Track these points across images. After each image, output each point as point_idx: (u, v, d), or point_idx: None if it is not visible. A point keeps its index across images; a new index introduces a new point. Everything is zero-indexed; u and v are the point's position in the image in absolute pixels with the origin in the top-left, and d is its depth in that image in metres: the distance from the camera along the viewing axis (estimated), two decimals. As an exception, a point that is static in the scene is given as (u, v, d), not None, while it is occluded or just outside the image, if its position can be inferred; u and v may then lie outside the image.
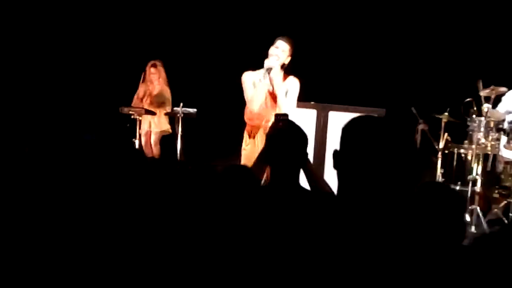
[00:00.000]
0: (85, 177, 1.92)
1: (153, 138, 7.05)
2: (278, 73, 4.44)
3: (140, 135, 6.70)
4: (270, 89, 4.47)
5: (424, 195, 1.97)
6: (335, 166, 1.61)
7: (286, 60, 4.48)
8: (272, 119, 4.43)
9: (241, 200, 2.17)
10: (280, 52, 4.44)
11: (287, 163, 2.47)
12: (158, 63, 6.98)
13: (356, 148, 1.55)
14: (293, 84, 4.52)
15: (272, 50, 4.45)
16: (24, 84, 7.56)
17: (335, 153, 1.61)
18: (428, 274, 1.47)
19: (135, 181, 1.89)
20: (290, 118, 4.56)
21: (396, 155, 1.53)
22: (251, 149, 4.53)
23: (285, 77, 4.54)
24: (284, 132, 2.58)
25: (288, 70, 4.61)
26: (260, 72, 4.50)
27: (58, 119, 7.33)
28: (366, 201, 1.52)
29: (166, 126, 7.08)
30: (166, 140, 7.12)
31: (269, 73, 4.42)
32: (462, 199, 2.16)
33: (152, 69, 6.93)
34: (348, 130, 1.61)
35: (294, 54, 4.54)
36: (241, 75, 4.61)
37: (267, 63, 4.43)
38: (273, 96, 4.49)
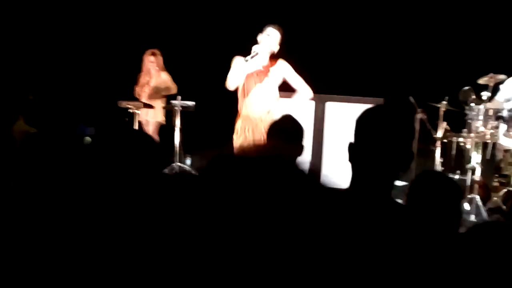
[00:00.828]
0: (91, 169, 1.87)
1: (150, 129, 7.04)
2: (264, 59, 4.46)
3: (139, 125, 6.70)
4: (254, 69, 4.48)
5: (422, 183, 1.97)
6: (350, 159, 1.60)
7: (276, 48, 4.47)
8: (267, 110, 4.46)
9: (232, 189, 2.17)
10: (271, 39, 4.44)
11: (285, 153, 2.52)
12: (157, 51, 6.96)
13: (373, 140, 1.54)
14: (285, 66, 4.53)
15: (263, 37, 4.45)
16: (21, 78, 7.54)
17: (351, 146, 1.60)
18: (425, 260, 1.47)
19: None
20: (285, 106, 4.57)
21: (408, 143, 1.53)
22: (242, 140, 4.53)
23: (272, 63, 4.53)
24: (281, 123, 2.65)
25: (285, 60, 4.60)
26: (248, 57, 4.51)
27: (55, 113, 7.31)
28: (382, 192, 1.51)
29: (161, 118, 7.06)
30: (165, 133, 7.11)
31: (252, 57, 4.41)
32: (459, 188, 2.16)
33: (152, 58, 6.91)
34: (363, 122, 1.59)
35: (287, 43, 4.53)
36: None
37: (255, 48, 4.42)
38: (262, 81, 4.50)
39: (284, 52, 4.56)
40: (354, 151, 1.59)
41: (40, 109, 6.99)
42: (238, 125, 4.62)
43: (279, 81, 4.57)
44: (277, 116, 4.60)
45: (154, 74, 6.92)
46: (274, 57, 4.56)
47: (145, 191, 1.77)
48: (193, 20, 8.50)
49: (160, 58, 6.97)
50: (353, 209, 1.52)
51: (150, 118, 6.99)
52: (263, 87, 4.53)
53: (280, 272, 1.56)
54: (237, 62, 4.56)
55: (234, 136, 4.62)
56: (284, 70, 4.54)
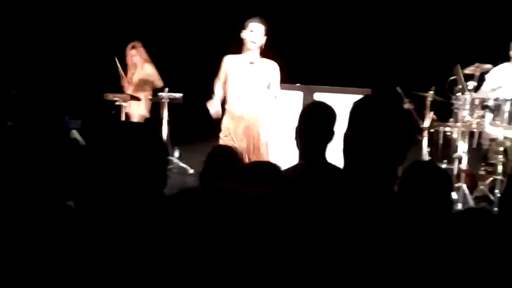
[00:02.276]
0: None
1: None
2: (257, 56, 4.45)
3: (127, 117, 6.66)
4: (254, 81, 4.46)
5: (412, 173, 2.00)
6: (344, 150, 1.61)
7: (262, 40, 4.45)
8: (253, 107, 4.46)
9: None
10: (256, 36, 4.39)
11: (315, 139, 2.56)
12: (137, 44, 6.88)
13: (369, 130, 1.55)
14: (274, 69, 4.50)
15: (247, 36, 4.39)
16: (6, 71, 7.45)
17: (346, 136, 1.61)
18: (417, 247, 1.50)
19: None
20: (278, 99, 4.57)
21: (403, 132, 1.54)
22: (228, 137, 4.49)
23: (263, 60, 4.51)
24: (312, 109, 2.65)
25: (273, 52, 4.59)
26: (241, 58, 4.47)
27: (41, 106, 7.25)
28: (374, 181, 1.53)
29: (143, 111, 6.97)
30: (150, 126, 7.08)
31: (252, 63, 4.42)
32: (449, 178, 2.19)
33: (133, 51, 6.85)
34: (357, 112, 1.60)
35: (274, 35, 4.51)
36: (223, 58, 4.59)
37: (248, 57, 4.41)
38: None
39: (272, 44, 4.54)
40: (348, 143, 1.60)
41: (22, 104, 6.90)
42: (225, 121, 4.57)
43: (267, 79, 4.53)
44: (272, 111, 4.63)
45: (138, 66, 6.87)
46: (266, 55, 4.54)
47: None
48: (180, 11, 8.46)
49: (142, 50, 6.90)
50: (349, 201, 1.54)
51: (134, 111, 6.93)
52: (251, 83, 4.50)
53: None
54: (229, 64, 4.51)
55: (220, 134, 4.58)
56: (271, 72, 4.51)
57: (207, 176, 2.50)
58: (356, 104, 1.61)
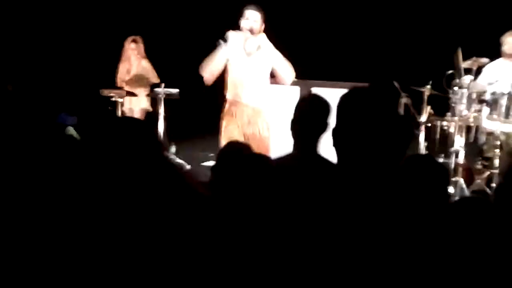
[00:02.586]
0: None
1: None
2: (257, 42, 4.43)
3: (123, 114, 6.64)
4: (257, 69, 4.45)
5: (409, 167, 1.99)
6: (334, 144, 1.60)
7: (260, 28, 4.43)
8: (255, 95, 4.45)
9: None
10: (252, 23, 4.38)
11: (307, 132, 2.56)
12: (138, 39, 6.87)
13: (355, 123, 1.54)
14: (262, 38, 4.48)
15: (244, 23, 4.38)
16: (2, 68, 7.42)
17: (334, 131, 1.60)
18: (414, 241, 1.49)
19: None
20: (272, 92, 4.55)
21: (389, 125, 1.53)
22: (229, 126, 4.48)
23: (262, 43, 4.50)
24: (305, 102, 2.67)
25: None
26: (240, 47, 4.46)
27: (36, 103, 7.22)
28: (366, 174, 1.52)
29: (146, 104, 6.98)
30: (149, 120, 7.07)
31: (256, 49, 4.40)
32: (446, 171, 2.20)
33: (133, 45, 6.82)
34: (344, 106, 1.59)
35: (271, 29, 4.49)
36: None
37: (248, 47, 4.39)
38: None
39: (269, 40, 4.52)
40: (340, 136, 1.58)
41: (19, 100, 6.87)
42: (227, 107, 4.57)
43: (269, 65, 4.51)
44: (269, 100, 4.62)
45: (134, 61, 6.85)
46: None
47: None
48: (176, 5, 8.43)
49: (141, 46, 6.89)
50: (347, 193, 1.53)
51: (134, 106, 6.93)
52: (252, 70, 4.49)
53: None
54: (232, 40, 4.49)
55: (222, 122, 4.58)
56: (261, 42, 4.47)
57: (219, 169, 2.49)
58: (343, 99, 1.59)
